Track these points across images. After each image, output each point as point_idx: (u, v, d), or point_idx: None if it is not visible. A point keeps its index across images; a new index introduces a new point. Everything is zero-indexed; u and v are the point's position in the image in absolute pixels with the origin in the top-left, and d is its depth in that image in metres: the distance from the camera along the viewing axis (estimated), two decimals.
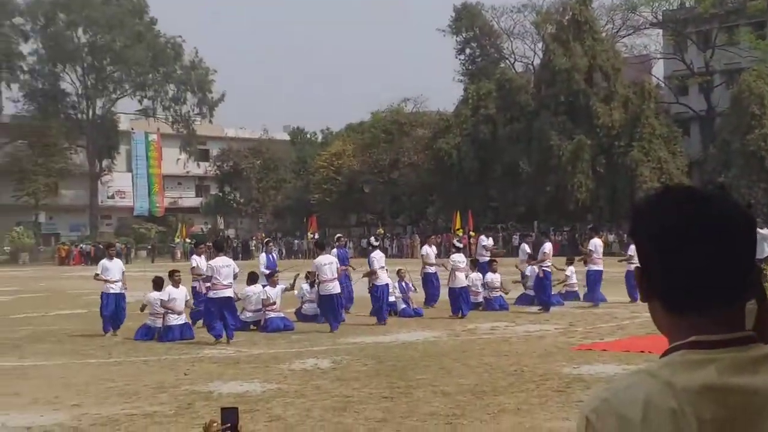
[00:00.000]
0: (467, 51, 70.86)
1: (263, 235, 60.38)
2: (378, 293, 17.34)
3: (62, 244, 65.74)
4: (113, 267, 16.83)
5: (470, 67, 70.40)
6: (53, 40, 70.85)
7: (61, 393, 10.28)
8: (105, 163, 75.76)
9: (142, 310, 16.13)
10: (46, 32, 71.55)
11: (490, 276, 19.80)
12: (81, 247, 63.31)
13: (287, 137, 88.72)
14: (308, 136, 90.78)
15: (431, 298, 20.50)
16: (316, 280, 16.91)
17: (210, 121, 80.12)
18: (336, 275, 16.69)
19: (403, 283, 19.29)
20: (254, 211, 77.51)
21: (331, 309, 16.28)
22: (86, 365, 12.65)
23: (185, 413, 8.91)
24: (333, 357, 12.69)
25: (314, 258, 17.74)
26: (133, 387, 10.55)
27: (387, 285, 17.55)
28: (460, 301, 18.06)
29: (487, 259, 22.22)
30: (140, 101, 77.05)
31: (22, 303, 25.83)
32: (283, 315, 16.85)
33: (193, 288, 17.32)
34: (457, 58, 71.05)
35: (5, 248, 63.15)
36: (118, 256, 20.97)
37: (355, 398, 9.44)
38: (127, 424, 8.56)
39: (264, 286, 17.14)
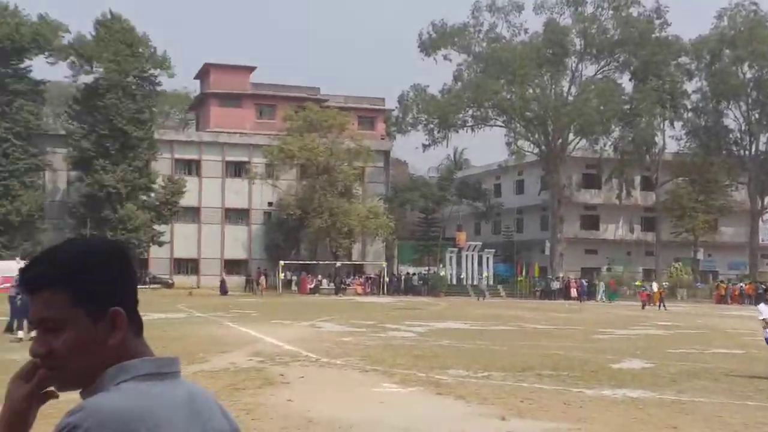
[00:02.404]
0: None
1: None
2: None
3: (720, 282, 64.99)
4: None
5: None
6: (717, 77, 70.78)
7: None
8: (767, 200, 72.95)
9: None
10: (710, 69, 71.92)
11: None
12: (740, 287, 61.71)
13: None
14: None
15: None
16: None
17: None
18: None
19: None
20: None
21: None
22: (744, 407, 12.04)
23: None
24: None
25: None
26: None
27: None
28: None
29: None
30: None
31: (680, 338, 25.94)
32: None
33: None
34: None
35: (663, 283, 64.72)
36: None
37: None
38: None
39: None
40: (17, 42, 59.56)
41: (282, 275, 60.83)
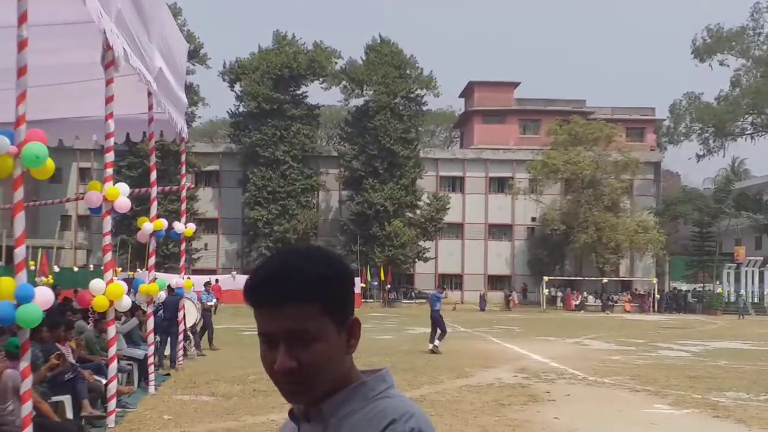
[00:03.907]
0: None
1: None
2: None
3: None
4: None
5: None
6: None
7: None
8: None
9: None
10: None
11: None
12: None
13: None
14: None
15: None
16: None
17: None
18: None
19: None
20: None
21: None
22: None
23: None
24: None
25: None
26: None
27: None
28: None
29: None
30: None
31: None
32: None
33: None
34: None
35: None
36: None
37: None
38: None
39: None
40: (294, 70, 63.41)
41: (546, 291, 60.10)
